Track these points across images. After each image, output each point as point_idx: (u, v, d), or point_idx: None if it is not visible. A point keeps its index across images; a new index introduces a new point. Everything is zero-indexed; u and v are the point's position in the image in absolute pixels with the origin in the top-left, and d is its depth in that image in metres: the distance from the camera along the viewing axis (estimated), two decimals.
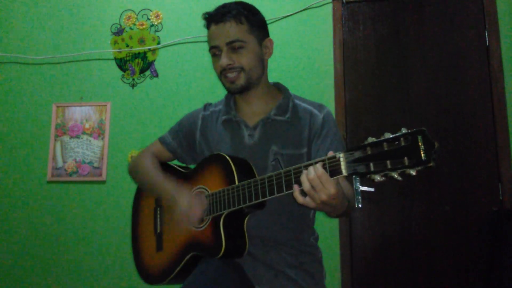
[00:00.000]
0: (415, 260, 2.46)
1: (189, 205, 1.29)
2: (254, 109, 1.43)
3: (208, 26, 1.39)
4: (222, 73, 1.37)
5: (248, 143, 1.38)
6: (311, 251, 1.39)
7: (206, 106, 1.55)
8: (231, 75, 1.35)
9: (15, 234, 2.83)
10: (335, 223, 2.52)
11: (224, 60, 1.33)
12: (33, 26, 3.05)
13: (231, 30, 1.33)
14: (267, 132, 1.38)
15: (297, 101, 1.45)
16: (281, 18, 2.78)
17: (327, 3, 2.76)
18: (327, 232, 2.48)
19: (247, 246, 1.26)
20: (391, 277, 2.48)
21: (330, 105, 2.64)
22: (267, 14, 2.76)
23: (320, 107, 1.43)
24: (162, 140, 1.57)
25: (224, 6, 1.37)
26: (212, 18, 1.36)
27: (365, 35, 2.73)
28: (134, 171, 1.57)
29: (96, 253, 2.74)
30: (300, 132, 1.37)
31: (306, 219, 1.41)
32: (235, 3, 1.39)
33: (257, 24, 1.38)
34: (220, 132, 1.44)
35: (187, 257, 1.32)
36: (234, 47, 1.33)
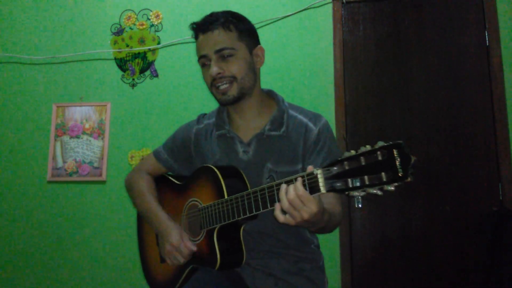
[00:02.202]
0: (415, 260, 2.46)
1: (178, 242, 1.31)
2: (248, 122, 1.38)
3: (196, 36, 1.34)
4: (212, 84, 1.31)
5: (243, 159, 1.34)
6: (312, 257, 1.36)
7: (200, 118, 1.51)
8: (222, 86, 1.29)
9: (15, 234, 2.83)
10: None
11: (214, 69, 1.28)
12: (33, 26, 3.05)
13: (219, 37, 1.28)
14: (261, 148, 1.34)
15: (292, 112, 1.38)
16: (281, 18, 2.77)
17: (327, 3, 2.76)
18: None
19: (244, 256, 1.25)
20: (391, 278, 2.48)
21: (330, 105, 2.64)
22: (267, 14, 2.78)
23: (316, 118, 1.36)
24: (157, 156, 1.54)
25: (211, 15, 1.33)
26: (200, 28, 1.32)
27: (365, 35, 2.73)
28: (130, 189, 1.57)
29: (96, 253, 2.74)
30: (295, 147, 1.32)
31: (301, 230, 1.38)
32: (223, 11, 1.34)
33: (246, 31, 1.33)
34: (214, 146, 1.40)
35: (187, 269, 1.34)
36: (223, 55, 1.28)
